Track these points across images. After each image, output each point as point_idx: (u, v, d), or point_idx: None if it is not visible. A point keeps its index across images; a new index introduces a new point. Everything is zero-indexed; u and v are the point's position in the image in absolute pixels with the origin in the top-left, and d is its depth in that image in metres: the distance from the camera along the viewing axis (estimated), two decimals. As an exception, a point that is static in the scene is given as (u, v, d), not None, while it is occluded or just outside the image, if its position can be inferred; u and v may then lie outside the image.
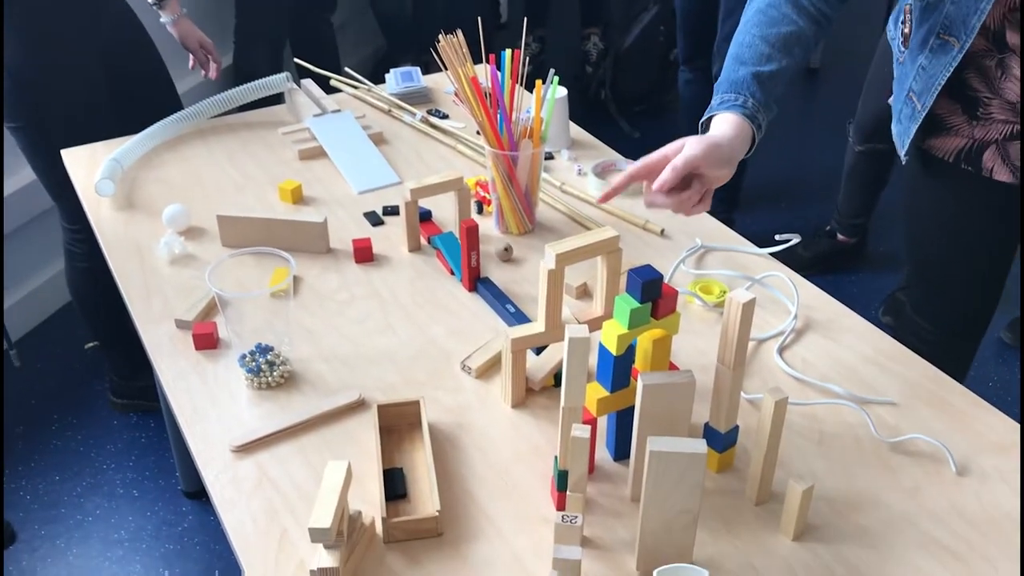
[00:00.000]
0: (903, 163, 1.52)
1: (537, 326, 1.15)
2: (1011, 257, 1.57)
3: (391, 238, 1.50)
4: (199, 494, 2.09)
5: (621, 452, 1.10)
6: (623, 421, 1.08)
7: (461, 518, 1.03)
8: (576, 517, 0.92)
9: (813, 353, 1.29)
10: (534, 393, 1.20)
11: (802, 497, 0.98)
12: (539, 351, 1.23)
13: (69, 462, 2.20)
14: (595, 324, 1.17)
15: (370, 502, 1.03)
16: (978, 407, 1.20)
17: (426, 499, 1.05)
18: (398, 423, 1.14)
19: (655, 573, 0.89)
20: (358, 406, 1.17)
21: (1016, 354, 2.58)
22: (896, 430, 1.15)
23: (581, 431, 0.94)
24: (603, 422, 1.11)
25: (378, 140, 1.78)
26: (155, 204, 1.58)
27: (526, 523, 1.03)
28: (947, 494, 1.08)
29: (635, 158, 1.71)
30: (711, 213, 1.59)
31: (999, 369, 2.54)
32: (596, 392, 1.04)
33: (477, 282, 1.39)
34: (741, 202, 3.07)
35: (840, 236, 2.90)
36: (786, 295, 1.37)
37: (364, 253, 1.44)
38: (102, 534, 2.02)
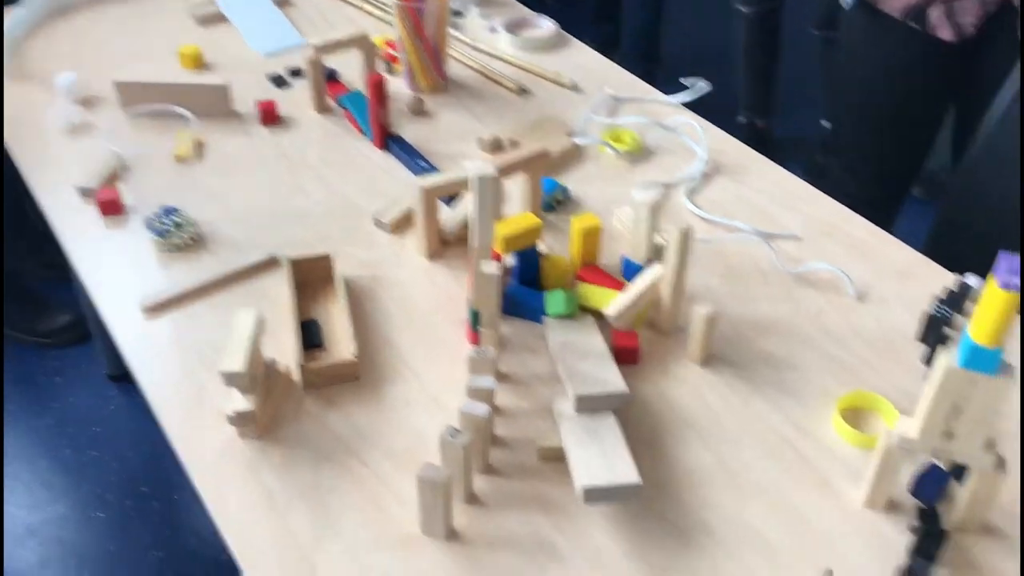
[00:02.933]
0: (845, 8, 1.53)
1: (447, 175, 1.14)
2: (943, 116, 1.61)
3: (298, 100, 1.46)
4: (124, 376, 2.08)
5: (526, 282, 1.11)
6: (527, 258, 1.09)
7: (378, 364, 1.04)
8: (488, 349, 0.94)
9: (721, 195, 1.31)
10: (450, 244, 1.21)
11: (706, 323, 1.02)
12: (450, 201, 1.23)
13: (-13, 355, 2.16)
14: (507, 170, 1.17)
15: (287, 354, 1.03)
16: (879, 238, 1.24)
17: (343, 347, 1.05)
18: (312, 278, 1.13)
19: (575, 396, 0.92)
20: (271, 264, 1.17)
21: (929, 207, 2.66)
22: (799, 261, 1.19)
23: (489, 267, 0.95)
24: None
25: (281, 2, 1.71)
26: (48, 75, 1.51)
27: (443, 365, 1.04)
28: (847, 318, 1.12)
29: (549, 13, 1.69)
30: (627, 68, 1.58)
31: (910, 222, 2.62)
32: (502, 230, 1.04)
33: (388, 140, 1.37)
34: (661, 72, 3.06)
35: (757, 123, 2.90)
36: (696, 141, 1.38)
37: (270, 115, 1.40)
38: (26, 421, 2.01)
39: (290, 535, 0.86)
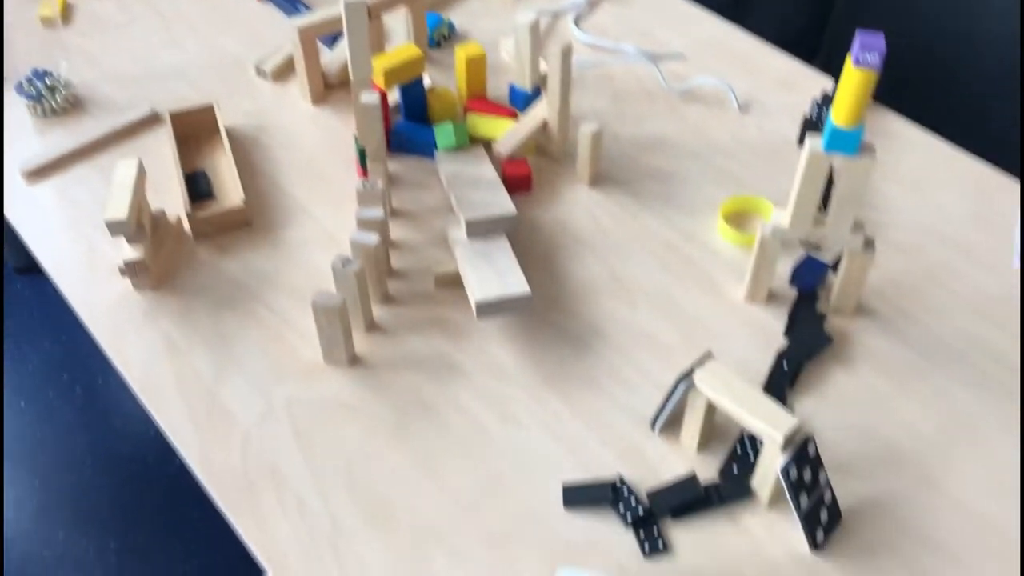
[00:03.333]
0: None
1: (322, 12, 1.12)
2: None
3: (168, -45, 1.40)
4: (30, 268, 2.03)
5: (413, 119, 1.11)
6: (412, 92, 1.08)
7: (270, 209, 1.04)
8: (376, 182, 0.94)
9: (608, 20, 1.30)
10: (334, 88, 1.19)
11: (592, 140, 1.03)
12: (332, 42, 1.21)
13: None
14: (385, 5, 1.14)
15: (177, 208, 1.02)
16: (762, 51, 1.26)
17: (232, 194, 1.05)
18: (195, 131, 1.11)
19: (465, 221, 0.93)
20: (152, 121, 1.14)
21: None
22: (684, 79, 1.20)
23: (368, 97, 0.95)
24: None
25: None
26: None
27: (336, 204, 1.04)
28: (731, 129, 1.14)
29: None
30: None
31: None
32: (381, 64, 1.03)
33: (265, -10, 1.33)
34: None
35: None
36: (580, -32, 1.37)
37: (139, -28, 1.34)
38: (-65, 321, 1.97)
39: (194, 375, 0.88)
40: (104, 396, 1.85)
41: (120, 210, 0.88)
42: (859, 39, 0.75)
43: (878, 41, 0.75)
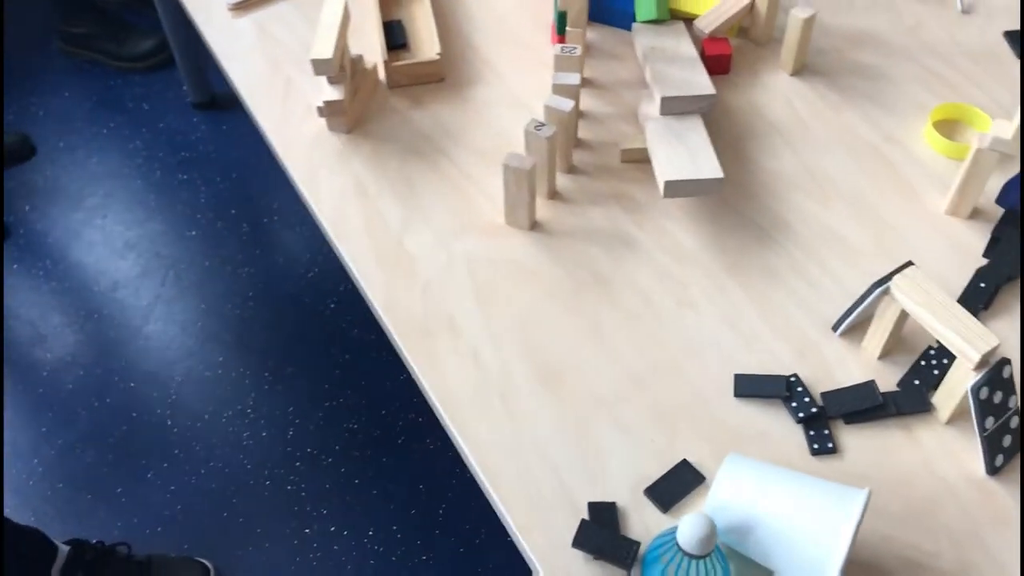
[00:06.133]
0: None
1: None
2: None
3: None
4: (208, 105, 2.11)
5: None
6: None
7: (462, 65, 1.04)
8: (575, 47, 0.92)
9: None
10: (534, -52, 1.16)
11: (803, 26, 0.98)
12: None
13: (75, 81, 2.21)
14: None
15: (373, 54, 1.03)
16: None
17: (427, 47, 1.05)
18: (395, -20, 1.11)
19: (660, 97, 0.91)
20: (353, -34, 1.14)
21: None
22: (906, -29, 1.12)
23: (580, -42, 0.92)
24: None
25: None
26: None
27: (528, 68, 1.03)
28: (949, 31, 1.07)
29: None
30: None
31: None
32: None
33: None
34: None
35: None
36: None
37: None
38: (118, 144, 2.08)
39: (381, 220, 0.90)
40: (269, 235, 1.93)
41: (326, 49, 0.89)
42: None
43: None
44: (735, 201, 0.92)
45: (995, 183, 0.90)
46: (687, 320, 0.82)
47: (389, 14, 1.09)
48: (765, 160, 0.95)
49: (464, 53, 1.05)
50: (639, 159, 0.94)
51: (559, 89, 0.91)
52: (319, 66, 0.90)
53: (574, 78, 0.91)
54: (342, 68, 0.93)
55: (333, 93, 0.93)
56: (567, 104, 0.88)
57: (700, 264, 0.87)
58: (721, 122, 0.98)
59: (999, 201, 0.90)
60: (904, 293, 0.73)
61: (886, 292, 0.75)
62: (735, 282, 0.85)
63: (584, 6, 0.96)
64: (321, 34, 0.91)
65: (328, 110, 0.94)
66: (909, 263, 0.77)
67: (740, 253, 0.87)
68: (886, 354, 0.79)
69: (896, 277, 0.74)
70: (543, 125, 0.86)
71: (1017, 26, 1.06)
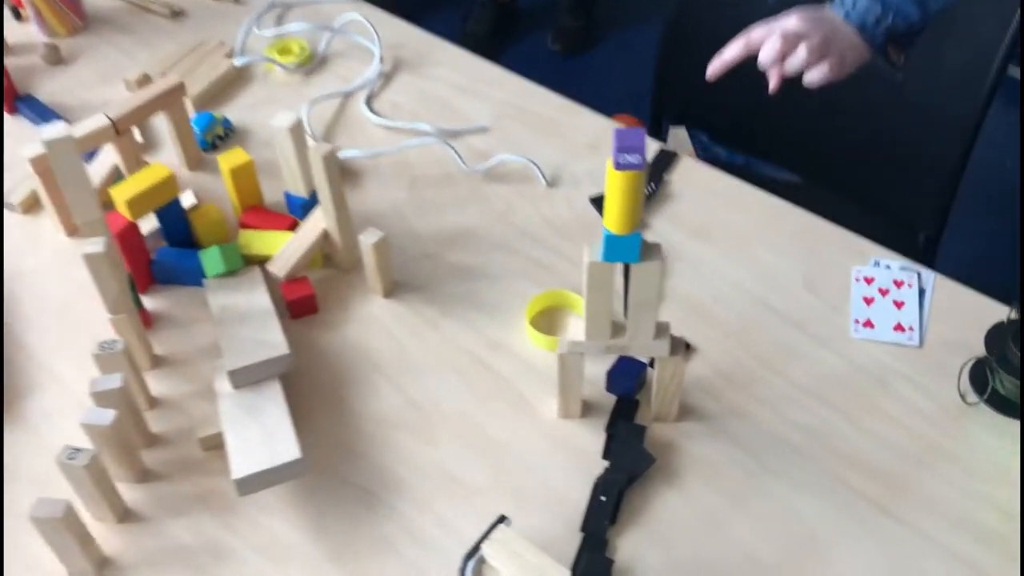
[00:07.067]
0: None
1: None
2: None
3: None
4: None
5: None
6: (170, 216, 0.95)
7: (12, 375, 0.89)
8: (116, 341, 0.81)
9: (403, 96, 1.19)
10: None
11: (376, 251, 0.91)
12: (90, 157, 1.06)
13: None
14: (133, 117, 1.00)
15: None
16: (568, 112, 1.16)
17: (-37, 367, 0.89)
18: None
19: (227, 371, 0.80)
20: None
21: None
22: (486, 156, 1.09)
23: (92, 246, 0.80)
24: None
25: None
26: None
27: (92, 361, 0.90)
28: (538, 209, 1.04)
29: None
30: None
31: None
32: (122, 193, 0.90)
33: (17, 102, 1.18)
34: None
35: None
36: (369, 40, 1.25)
37: None
38: None
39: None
40: None
41: None
42: (616, 139, 0.65)
43: (638, 137, 0.65)
44: (336, 466, 0.81)
45: (601, 369, 0.85)
46: (291, 639, 0.70)
47: (-81, 333, 0.93)
48: (365, 404, 0.86)
49: (14, 359, 0.91)
50: (221, 445, 0.82)
51: (100, 397, 0.78)
52: None
53: (115, 380, 0.78)
54: None
55: None
56: (107, 416, 0.75)
57: (300, 558, 0.75)
58: (313, 373, 0.88)
59: (609, 389, 0.85)
60: (499, 563, 0.65)
61: (482, 563, 0.66)
62: (342, 569, 0.74)
63: (124, 291, 0.84)
64: None
65: None
66: (502, 518, 0.69)
67: (347, 532, 0.77)
68: (512, 618, 0.70)
69: (485, 545, 0.65)
70: (77, 451, 0.73)
71: (601, 191, 1.05)
